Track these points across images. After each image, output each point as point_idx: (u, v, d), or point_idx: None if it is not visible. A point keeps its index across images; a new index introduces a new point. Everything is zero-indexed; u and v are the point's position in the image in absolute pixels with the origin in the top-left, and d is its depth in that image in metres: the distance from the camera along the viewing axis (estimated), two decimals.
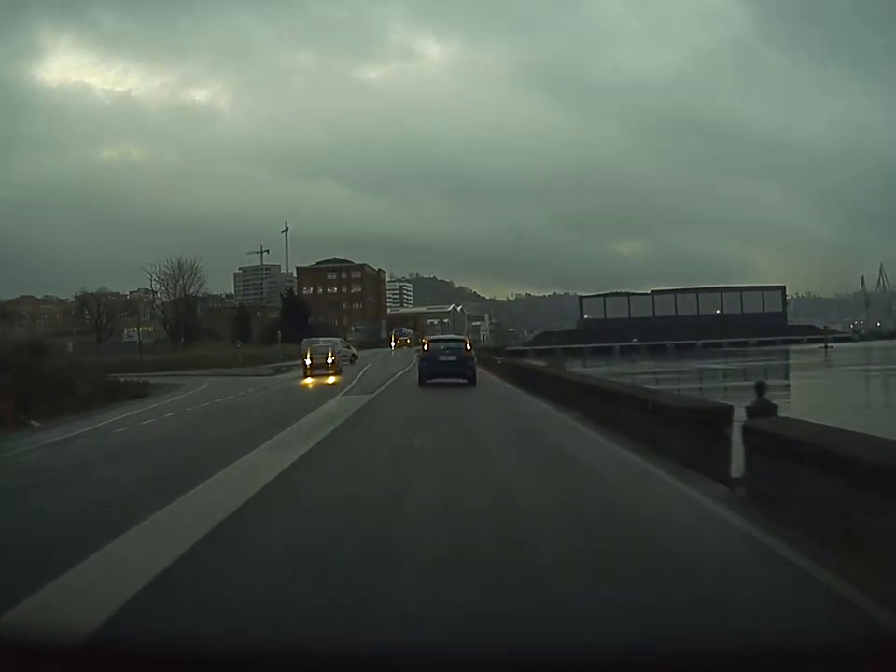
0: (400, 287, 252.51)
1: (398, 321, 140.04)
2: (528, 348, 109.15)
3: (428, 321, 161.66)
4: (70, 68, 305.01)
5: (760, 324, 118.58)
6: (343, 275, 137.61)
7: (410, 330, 79.34)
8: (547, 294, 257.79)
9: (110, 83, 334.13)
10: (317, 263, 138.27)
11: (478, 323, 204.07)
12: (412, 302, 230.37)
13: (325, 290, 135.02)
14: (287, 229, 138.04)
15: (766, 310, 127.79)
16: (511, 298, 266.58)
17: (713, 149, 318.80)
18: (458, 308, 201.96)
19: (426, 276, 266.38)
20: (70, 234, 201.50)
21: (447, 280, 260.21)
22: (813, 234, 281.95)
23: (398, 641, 3.95)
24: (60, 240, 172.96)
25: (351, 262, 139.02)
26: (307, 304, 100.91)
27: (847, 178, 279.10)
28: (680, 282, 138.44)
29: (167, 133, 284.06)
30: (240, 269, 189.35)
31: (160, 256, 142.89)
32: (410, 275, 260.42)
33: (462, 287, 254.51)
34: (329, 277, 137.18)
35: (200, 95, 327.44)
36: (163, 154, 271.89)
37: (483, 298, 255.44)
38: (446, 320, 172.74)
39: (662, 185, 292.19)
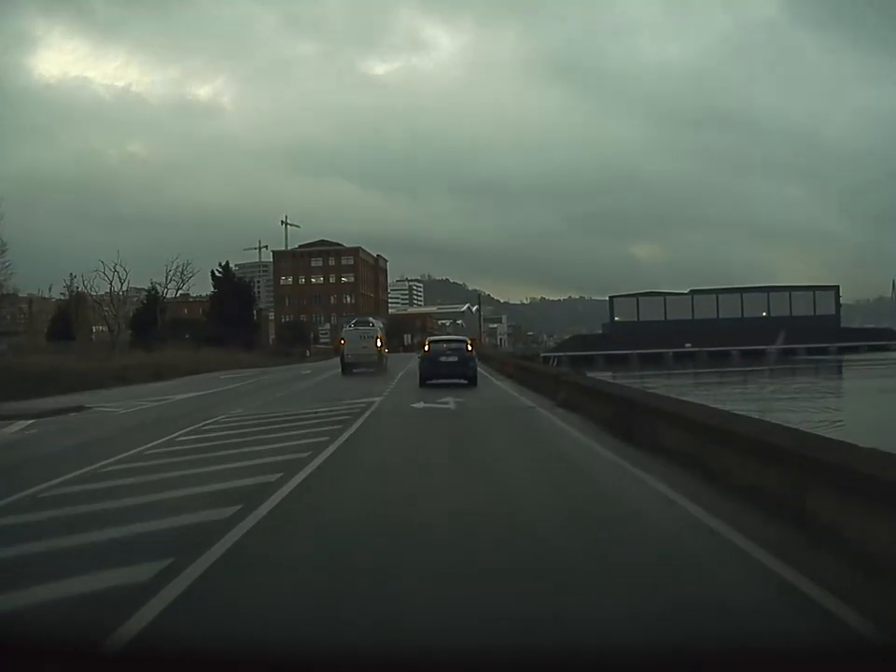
0: (410, 286, 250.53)
1: (403, 321, 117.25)
2: (561, 354, 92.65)
3: (440, 322, 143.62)
4: (68, 61, 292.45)
5: (812, 327, 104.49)
6: (332, 262, 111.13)
7: (378, 323, 41.15)
8: (562, 298, 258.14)
9: (110, 77, 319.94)
10: (300, 246, 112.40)
11: (495, 325, 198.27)
12: (422, 303, 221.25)
13: (308, 280, 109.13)
14: (286, 221, 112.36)
15: (817, 312, 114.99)
16: (525, 301, 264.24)
17: (734, 146, 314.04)
18: (473, 308, 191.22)
19: (438, 278, 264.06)
20: (67, 231, 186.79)
21: (460, 282, 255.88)
22: (834, 237, 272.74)
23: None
24: (55, 236, 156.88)
25: (341, 245, 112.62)
26: (250, 288, 72.37)
27: (875, 177, 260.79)
28: (697, 285, 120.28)
29: (169, 127, 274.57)
30: (236, 266, 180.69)
31: (158, 252, 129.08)
32: (421, 277, 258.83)
33: (475, 290, 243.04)
34: (314, 264, 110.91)
35: (202, 90, 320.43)
36: (165, 149, 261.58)
37: (497, 301, 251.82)
38: (460, 321, 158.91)
39: (680, 185, 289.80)
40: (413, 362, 34.51)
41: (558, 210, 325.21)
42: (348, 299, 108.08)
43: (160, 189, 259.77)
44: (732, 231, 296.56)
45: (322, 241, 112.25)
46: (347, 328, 38.94)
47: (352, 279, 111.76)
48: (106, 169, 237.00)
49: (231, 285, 68.07)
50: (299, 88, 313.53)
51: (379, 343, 36.58)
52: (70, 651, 3.01)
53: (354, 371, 35.06)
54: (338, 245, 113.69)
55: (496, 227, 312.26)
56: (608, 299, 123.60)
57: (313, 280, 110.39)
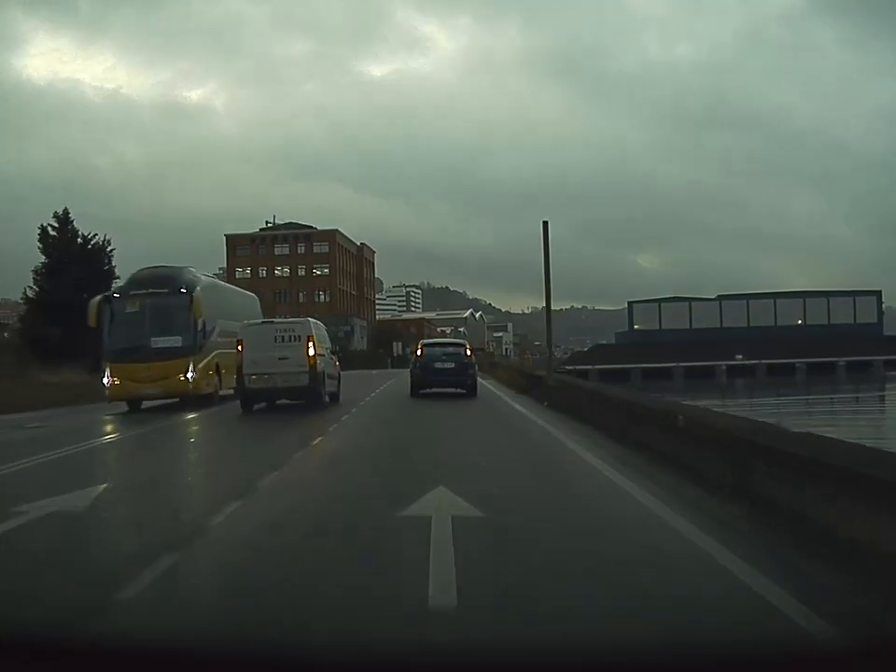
0: (407, 292, 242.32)
1: (392, 327, 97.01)
2: (588, 367, 78.28)
3: (439, 329, 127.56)
4: (56, 62, 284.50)
5: (853, 336, 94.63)
6: (301, 248, 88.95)
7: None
8: (564, 308, 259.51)
9: (99, 79, 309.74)
10: (262, 229, 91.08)
11: (499, 334, 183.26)
12: (420, 310, 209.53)
13: (270, 272, 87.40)
14: (273, 222, 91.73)
15: (858, 320, 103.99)
16: (526, 311, 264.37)
17: (742, 150, 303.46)
18: (476, 314, 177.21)
19: (437, 286, 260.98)
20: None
21: (460, 290, 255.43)
22: (843, 243, 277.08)
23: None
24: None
25: (313, 228, 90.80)
26: (103, 256, 41.87)
27: (890, 181, 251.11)
28: (706, 295, 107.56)
29: (159, 129, 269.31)
30: (220, 269, 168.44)
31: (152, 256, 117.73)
32: (420, 284, 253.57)
33: (476, 298, 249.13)
34: (278, 252, 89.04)
35: (195, 92, 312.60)
36: (154, 151, 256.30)
37: (499, 310, 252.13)
38: (462, 329, 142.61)
39: (687, 191, 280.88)
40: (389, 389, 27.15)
41: (560, 218, 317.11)
42: (322, 296, 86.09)
43: (147, 191, 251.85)
44: (737, 239, 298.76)
45: (290, 223, 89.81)
46: (244, 324, 21.37)
47: (327, 271, 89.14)
48: (92, 171, 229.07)
49: (75, 247, 39.33)
50: (292, 90, 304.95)
51: (312, 352, 20.24)
52: None
53: (265, 404, 20.70)
54: (310, 227, 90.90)
55: (496, 235, 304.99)
56: (626, 305, 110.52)
57: (276, 272, 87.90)
